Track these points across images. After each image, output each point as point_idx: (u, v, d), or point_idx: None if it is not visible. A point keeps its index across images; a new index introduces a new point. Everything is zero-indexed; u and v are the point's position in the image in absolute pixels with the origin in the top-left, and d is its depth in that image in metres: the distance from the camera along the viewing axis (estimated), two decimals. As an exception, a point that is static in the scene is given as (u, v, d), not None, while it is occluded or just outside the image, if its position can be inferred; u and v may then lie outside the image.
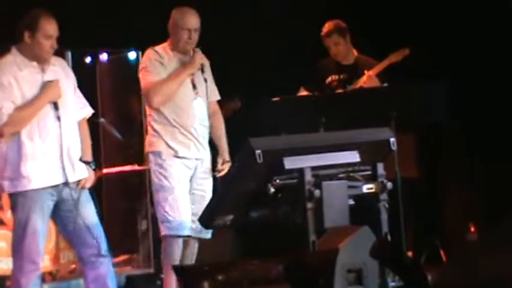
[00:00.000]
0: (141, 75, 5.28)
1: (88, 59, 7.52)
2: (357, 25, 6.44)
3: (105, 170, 6.94)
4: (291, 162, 3.98)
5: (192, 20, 5.23)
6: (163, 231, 5.22)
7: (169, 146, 5.22)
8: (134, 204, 6.97)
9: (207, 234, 5.13)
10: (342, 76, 6.28)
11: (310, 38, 6.59)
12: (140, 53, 7.03)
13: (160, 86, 5.16)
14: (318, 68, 6.40)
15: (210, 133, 5.39)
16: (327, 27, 6.31)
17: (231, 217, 4.14)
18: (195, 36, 5.24)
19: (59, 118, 4.73)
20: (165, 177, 5.21)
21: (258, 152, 3.90)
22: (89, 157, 4.94)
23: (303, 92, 6.25)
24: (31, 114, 4.66)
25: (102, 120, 7.05)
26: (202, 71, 5.26)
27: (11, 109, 4.63)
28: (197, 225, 4.87)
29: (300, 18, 7.09)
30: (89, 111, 5.06)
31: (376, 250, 3.46)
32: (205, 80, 5.27)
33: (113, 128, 7.06)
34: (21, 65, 4.72)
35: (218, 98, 5.48)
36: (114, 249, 7.13)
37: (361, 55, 6.37)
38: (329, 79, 6.31)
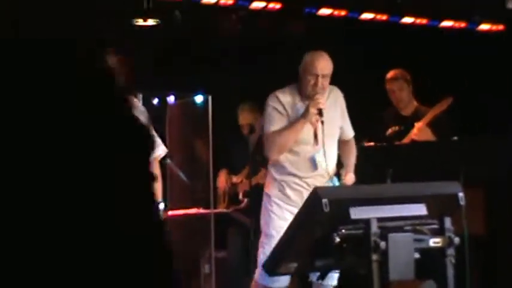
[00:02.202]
0: (262, 121, 5.26)
1: (155, 101, 7.62)
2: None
3: (170, 212, 6.99)
4: (357, 213, 3.96)
5: (321, 65, 5.01)
6: (256, 275, 5.11)
7: (282, 193, 5.12)
8: (198, 247, 6.99)
9: (332, 281, 4.84)
10: (400, 127, 6.26)
11: (367, 90, 6.59)
12: (209, 96, 7.11)
13: (275, 138, 5.04)
14: (379, 119, 6.40)
15: (341, 158, 5.26)
16: (393, 72, 6.34)
17: (295, 265, 4.13)
18: (323, 82, 5.00)
19: None
20: (267, 222, 5.11)
21: (324, 200, 3.89)
22: (157, 197, 4.97)
23: (368, 144, 6.24)
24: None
25: (168, 161, 7.11)
26: (321, 114, 4.97)
27: None
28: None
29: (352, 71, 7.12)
30: (162, 150, 5.10)
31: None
32: (322, 123, 5.01)
33: (179, 170, 7.12)
34: None
35: (351, 135, 5.32)
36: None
37: (421, 106, 6.35)
38: (389, 131, 6.31)
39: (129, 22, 6.66)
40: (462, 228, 4.82)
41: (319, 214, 3.90)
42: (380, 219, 3.96)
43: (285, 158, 5.10)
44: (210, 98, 7.17)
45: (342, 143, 5.26)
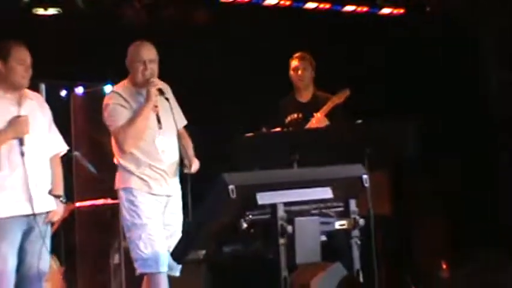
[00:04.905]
0: (106, 121, 5.22)
1: (63, 92, 7.51)
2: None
3: (77, 204, 6.91)
4: (264, 198, 3.98)
5: (146, 52, 5.22)
6: (139, 269, 5.11)
7: (142, 182, 5.16)
8: (107, 237, 6.94)
9: (176, 272, 5.12)
10: (299, 115, 6.36)
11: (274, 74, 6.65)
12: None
13: (126, 129, 5.09)
14: (279, 107, 6.47)
15: (180, 152, 5.29)
16: (301, 52, 6.44)
17: (203, 252, 4.13)
18: (152, 67, 5.20)
19: (22, 153, 4.78)
20: (137, 214, 5.12)
21: (231, 187, 3.89)
22: (59, 191, 4.97)
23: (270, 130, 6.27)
24: None
25: (76, 153, 7.03)
26: (162, 93, 5.18)
27: None
28: (169, 261, 4.83)
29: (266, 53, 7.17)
30: (62, 147, 5.12)
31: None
32: (167, 99, 5.20)
33: (86, 161, 7.04)
34: None
35: (185, 123, 5.43)
36: (86, 283, 7.09)
37: (318, 91, 6.44)
38: (288, 118, 6.38)
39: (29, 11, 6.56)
40: (368, 210, 4.91)
41: (226, 200, 3.90)
42: (286, 204, 3.99)
43: (136, 148, 5.15)
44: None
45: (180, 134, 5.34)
